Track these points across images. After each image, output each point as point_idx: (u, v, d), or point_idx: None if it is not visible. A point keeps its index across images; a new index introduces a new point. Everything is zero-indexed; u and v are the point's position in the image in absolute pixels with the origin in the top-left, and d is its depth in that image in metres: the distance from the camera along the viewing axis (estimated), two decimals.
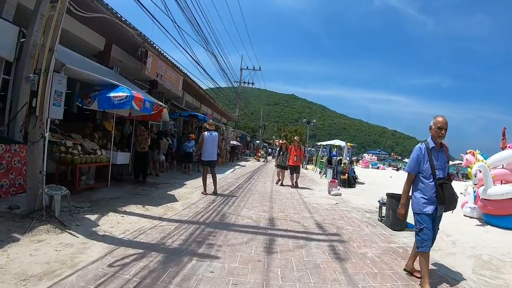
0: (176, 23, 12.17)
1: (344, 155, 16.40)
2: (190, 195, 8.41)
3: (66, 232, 4.42)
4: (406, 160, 65.34)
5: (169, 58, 13.52)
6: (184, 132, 18.54)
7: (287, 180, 12.57)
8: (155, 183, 9.76)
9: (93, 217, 5.41)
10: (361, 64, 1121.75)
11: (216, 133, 9.42)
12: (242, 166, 22.00)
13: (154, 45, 11.90)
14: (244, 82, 38.22)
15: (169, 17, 11.88)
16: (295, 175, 12.18)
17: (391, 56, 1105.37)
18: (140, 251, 3.93)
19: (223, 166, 19.28)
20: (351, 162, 18.19)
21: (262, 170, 20.56)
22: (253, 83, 38.24)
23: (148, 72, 11.75)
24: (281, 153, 12.60)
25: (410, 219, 4.37)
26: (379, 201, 7.41)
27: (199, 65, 19.81)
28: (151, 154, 11.73)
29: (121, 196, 7.53)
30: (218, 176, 13.68)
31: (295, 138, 12.73)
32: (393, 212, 6.39)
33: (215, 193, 8.82)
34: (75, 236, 4.33)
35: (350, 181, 15.02)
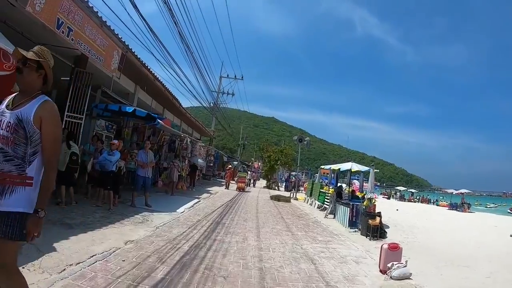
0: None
1: (369, 187, 10.81)
2: None
3: None
4: (399, 187, 60.84)
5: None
6: (138, 143, 12.37)
7: None
8: None
9: None
10: (341, 90, 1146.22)
11: None
12: (211, 194, 15.93)
13: None
14: (223, 92, 32.63)
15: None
16: None
17: (370, 84, 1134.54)
18: None
19: (183, 194, 13.20)
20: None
21: (240, 201, 14.58)
22: (233, 94, 32.63)
23: (33, 11, 5.91)
24: None
25: None
26: None
27: (183, 80, 14.44)
28: None
29: None
30: (163, 216, 7.37)
31: None
32: None
33: None
34: None
35: (382, 230, 9.40)
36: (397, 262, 5.06)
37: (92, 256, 4.17)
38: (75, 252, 4.26)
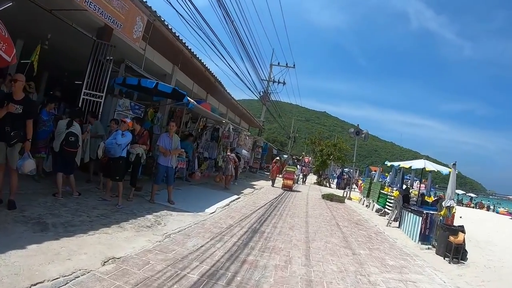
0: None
1: (450, 192, 8.21)
2: None
3: None
4: (457, 191, 54.58)
5: None
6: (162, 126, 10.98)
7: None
8: None
9: None
10: (395, 86, 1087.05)
11: None
12: (255, 189, 14.17)
13: None
14: (274, 81, 30.75)
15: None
16: None
17: (425, 80, 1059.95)
18: None
19: (225, 189, 11.57)
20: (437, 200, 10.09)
21: (288, 200, 12.67)
22: (284, 83, 30.60)
23: None
24: None
25: None
26: None
27: (226, 58, 12.89)
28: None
29: None
30: (184, 218, 5.96)
31: None
32: None
33: None
34: None
35: (464, 249, 6.95)
36: None
37: (33, 286, 2.55)
38: (14, 274, 2.67)
